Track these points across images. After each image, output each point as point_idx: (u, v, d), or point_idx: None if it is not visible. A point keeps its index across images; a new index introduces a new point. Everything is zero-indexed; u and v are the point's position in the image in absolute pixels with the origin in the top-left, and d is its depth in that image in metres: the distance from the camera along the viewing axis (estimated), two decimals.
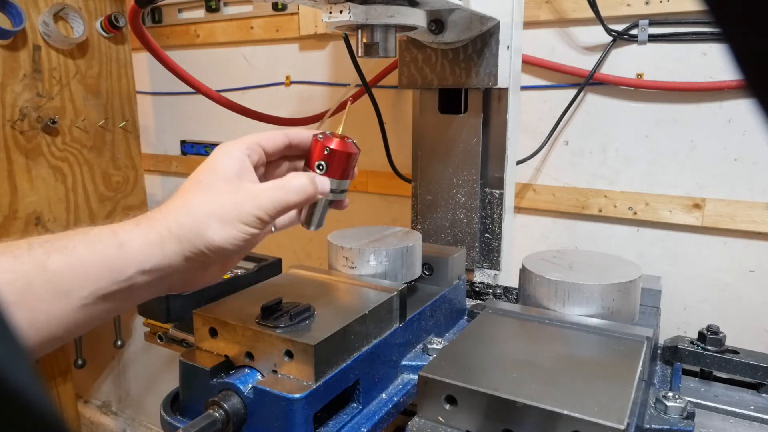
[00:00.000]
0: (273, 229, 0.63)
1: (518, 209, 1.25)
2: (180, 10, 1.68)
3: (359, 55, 0.76)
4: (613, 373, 0.58)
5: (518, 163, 1.09)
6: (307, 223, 0.63)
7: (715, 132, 1.05)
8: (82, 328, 0.48)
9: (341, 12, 0.69)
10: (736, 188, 1.04)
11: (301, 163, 0.62)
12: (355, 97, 1.33)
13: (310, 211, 0.63)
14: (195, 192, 0.52)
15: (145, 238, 0.49)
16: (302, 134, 0.61)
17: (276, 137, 0.59)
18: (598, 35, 1.11)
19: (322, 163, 0.59)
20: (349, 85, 1.40)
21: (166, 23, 1.70)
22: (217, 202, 0.52)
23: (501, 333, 0.68)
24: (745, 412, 0.66)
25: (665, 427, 0.60)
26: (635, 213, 1.13)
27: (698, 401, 0.68)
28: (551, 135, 1.17)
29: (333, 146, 0.59)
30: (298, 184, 0.56)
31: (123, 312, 0.53)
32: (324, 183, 0.58)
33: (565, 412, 0.49)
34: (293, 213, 0.65)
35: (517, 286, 0.85)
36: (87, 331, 0.50)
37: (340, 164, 0.60)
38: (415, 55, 0.96)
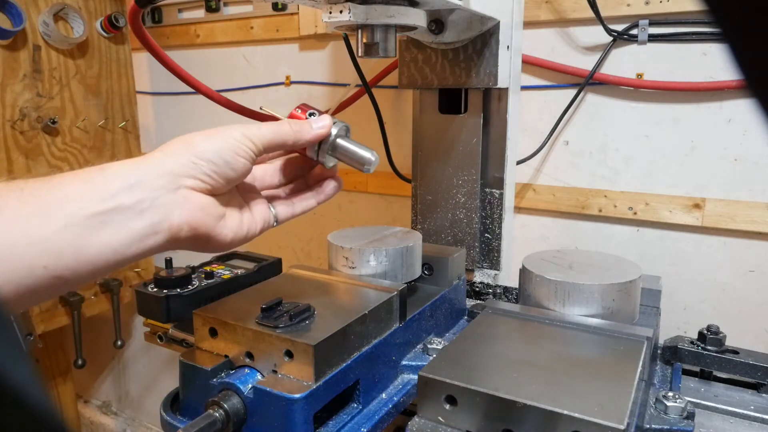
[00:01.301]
0: (275, 222, 0.61)
1: (518, 209, 1.25)
2: (180, 10, 1.68)
3: (359, 55, 0.76)
4: (613, 373, 0.58)
5: (518, 163, 1.09)
6: (360, 161, 0.61)
7: (715, 132, 1.05)
8: (78, 259, 0.43)
9: (341, 12, 0.69)
10: (736, 188, 1.04)
11: None
12: (355, 97, 1.33)
13: (348, 154, 0.61)
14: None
15: (128, 161, 0.48)
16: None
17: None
18: (598, 35, 1.11)
19: (314, 111, 0.61)
20: (349, 85, 1.40)
21: (166, 23, 1.70)
22: (203, 131, 0.53)
23: (501, 333, 0.68)
24: (745, 412, 0.66)
25: (665, 427, 0.60)
26: (635, 213, 1.13)
27: (698, 401, 0.68)
28: (551, 135, 1.17)
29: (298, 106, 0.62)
30: (286, 120, 0.58)
31: (129, 256, 0.47)
32: (323, 119, 0.59)
33: (565, 412, 0.49)
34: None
35: (517, 286, 0.85)
36: (93, 277, 0.45)
37: (314, 108, 0.62)
38: (415, 55, 0.96)
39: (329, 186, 0.64)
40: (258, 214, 0.59)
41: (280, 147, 0.57)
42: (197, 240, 0.52)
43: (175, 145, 0.51)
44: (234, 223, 0.55)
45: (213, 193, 0.52)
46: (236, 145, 0.52)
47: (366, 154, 0.60)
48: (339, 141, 0.61)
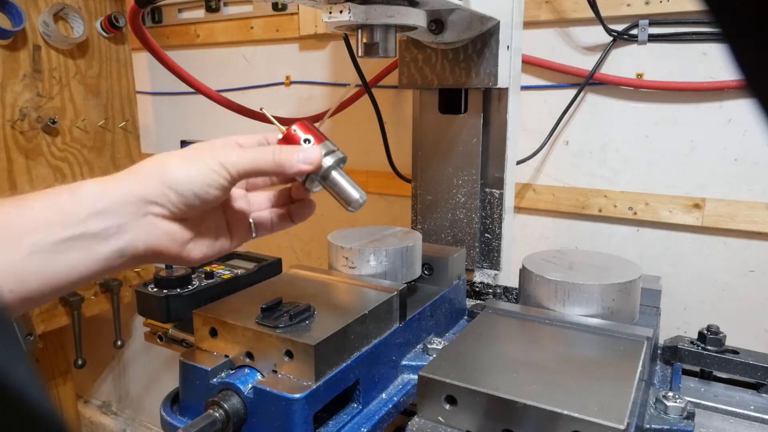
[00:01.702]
0: (253, 234, 0.61)
1: (518, 209, 1.25)
2: (180, 10, 1.68)
3: (359, 55, 0.76)
4: (613, 373, 0.58)
5: (518, 163, 1.09)
6: (347, 200, 0.58)
7: (715, 132, 1.05)
8: (43, 283, 0.44)
9: (341, 12, 0.69)
10: (736, 188, 1.04)
11: None
12: (355, 97, 1.33)
13: (335, 189, 0.59)
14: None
15: (99, 181, 0.48)
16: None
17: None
18: (598, 35, 1.11)
19: (309, 138, 0.58)
20: (349, 85, 1.40)
21: (166, 23, 1.70)
22: (182, 151, 0.52)
23: (501, 333, 0.68)
24: (745, 412, 0.66)
25: (665, 427, 0.60)
26: (635, 213, 1.13)
27: (698, 401, 0.68)
28: (551, 135, 1.17)
29: (297, 124, 0.58)
30: (270, 148, 0.55)
31: (94, 275, 0.48)
32: (312, 154, 0.56)
33: (565, 412, 0.49)
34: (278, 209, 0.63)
35: (517, 286, 0.85)
36: (58, 295, 0.46)
37: (314, 130, 0.58)
38: (415, 55, 0.96)
39: (309, 208, 0.64)
40: (237, 233, 0.60)
41: (258, 175, 0.56)
42: (162, 259, 0.53)
43: (148, 168, 0.50)
44: (204, 245, 0.55)
45: (181, 218, 0.52)
46: (210, 175, 0.50)
47: (354, 194, 0.58)
48: (332, 174, 0.58)
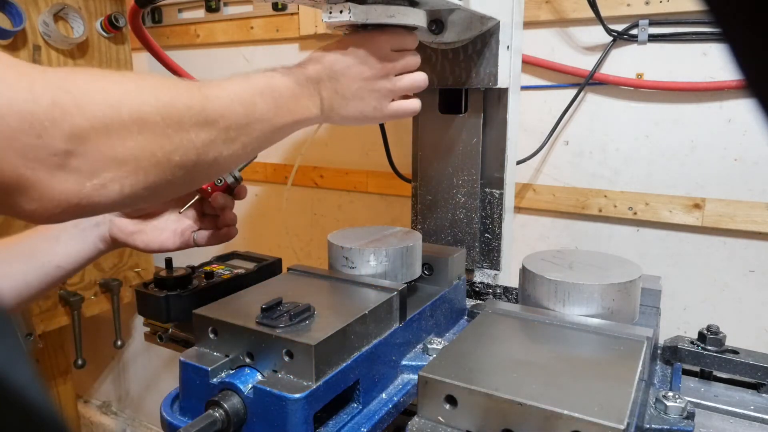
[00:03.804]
0: (194, 244, 0.83)
1: (518, 209, 1.25)
2: (180, 10, 1.68)
3: None
4: (613, 373, 0.58)
5: (518, 163, 1.09)
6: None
7: (715, 132, 1.05)
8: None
9: (341, 12, 0.69)
10: (736, 188, 1.04)
11: None
12: None
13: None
14: None
15: None
16: None
17: None
18: (598, 35, 1.11)
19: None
20: None
21: (166, 23, 1.70)
22: None
23: (501, 333, 0.68)
24: (745, 412, 0.66)
25: (665, 427, 0.60)
26: (635, 213, 1.13)
27: (698, 401, 0.68)
28: (551, 135, 1.17)
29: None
30: None
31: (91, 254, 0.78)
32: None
33: (565, 412, 0.49)
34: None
35: (517, 286, 0.85)
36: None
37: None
38: None
39: (232, 232, 0.85)
40: (179, 234, 0.82)
41: None
42: (118, 244, 0.79)
43: None
44: (147, 237, 0.79)
45: (130, 216, 0.79)
46: None
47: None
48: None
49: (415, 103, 0.77)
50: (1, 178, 0.38)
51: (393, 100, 0.74)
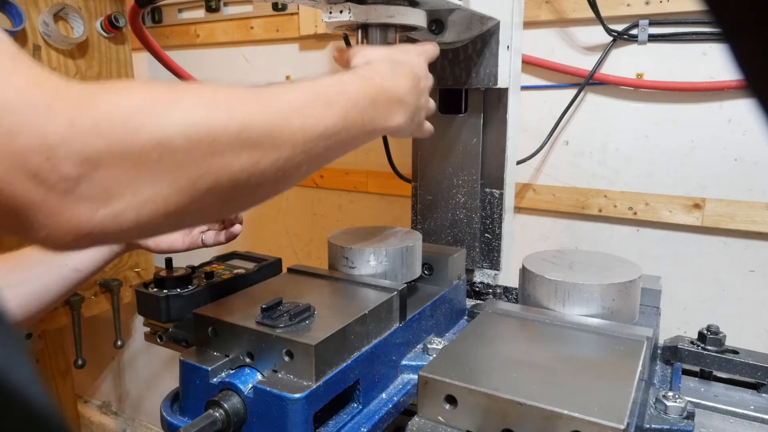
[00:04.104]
0: (202, 244, 0.84)
1: (518, 209, 1.25)
2: (180, 10, 1.68)
3: None
4: (613, 373, 0.58)
5: (518, 163, 1.09)
6: None
7: (715, 132, 1.05)
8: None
9: (341, 12, 0.69)
10: (736, 188, 1.04)
11: None
12: None
13: None
14: None
15: None
16: None
17: None
18: (598, 35, 1.11)
19: None
20: None
21: (166, 23, 1.70)
22: None
23: (501, 333, 0.68)
24: (745, 412, 0.66)
25: (665, 427, 0.60)
26: (635, 213, 1.13)
27: (698, 401, 0.68)
28: (551, 135, 1.17)
29: None
30: None
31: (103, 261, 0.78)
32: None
33: (565, 412, 0.49)
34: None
35: (517, 286, 0.85)
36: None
37: None
38: None
39: (237, 228, 0.85)
40: (188, 235, 0.82)
41: None
42: (132, 246, 0.80)
43: None
44: (157, 238, 0.80)
45: None
46: None
47: None
48: None
49: (431, 126, 0.74)
50: (11, 199, 0.36)
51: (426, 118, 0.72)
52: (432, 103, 0.71)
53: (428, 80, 0.69)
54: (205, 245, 0.84)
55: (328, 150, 0.52)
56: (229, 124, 0.44)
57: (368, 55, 0.64)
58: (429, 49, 0.71)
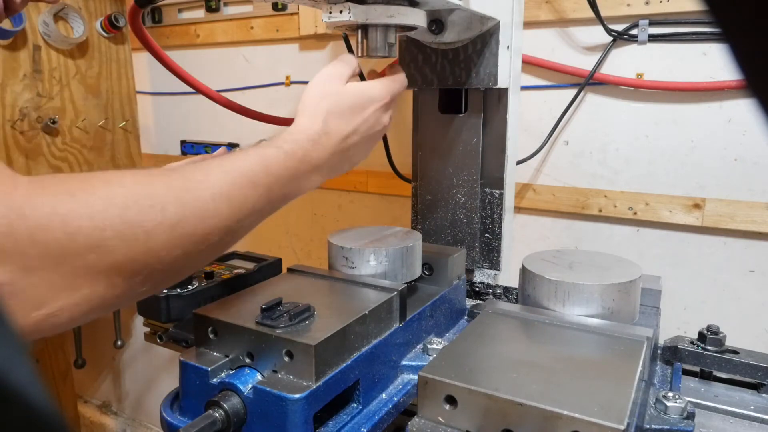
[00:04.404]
0: None
1: (518, 209, 1.25)
2: (180, 10, 1.68)
3: (359, 55, 0.76)
4: (613, 373, 0.58)
5: (518, 163, 1.09)
6: None
7: (715, 132, 1.05)
8: None
9: (341, 12, 0.69)
10: (736, 188, 1.04)
11: None
12: None
13: None
14: None
15: None
16: None
17: None
18: (598, 35, 1.11)
19: None
20: None
21: (166, 23, 1.70)
22: None
23: (501, 333, 0.68)
24: (745, 412, 0.66)
25: (665, 427, 0.60)
26: (635, 213, 1.13)
27: (698, 401, 0.68)
28: (551, 135, 1.17)
29: None
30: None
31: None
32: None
33: (565, 412, 0.49)
34: None
35: (517, 286, 0.85)
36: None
37: None
38: (415, 55, 0.95)
39: None
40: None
41: None
42: None
43: None
44: None
45: None
46: None
47: None
48: None
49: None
50: None
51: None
52: (385, 125, 0.73)
53: (377, 127, 0.70)
54: None
55: (252, 224, 0.56)
56: (163, 222, 0.45)
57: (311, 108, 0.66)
58: (389, 93, 0.72)
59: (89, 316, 0.43)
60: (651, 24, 1.06)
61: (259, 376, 0.61)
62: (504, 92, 0.94)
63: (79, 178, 0.44)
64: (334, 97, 0.67)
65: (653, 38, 1.07)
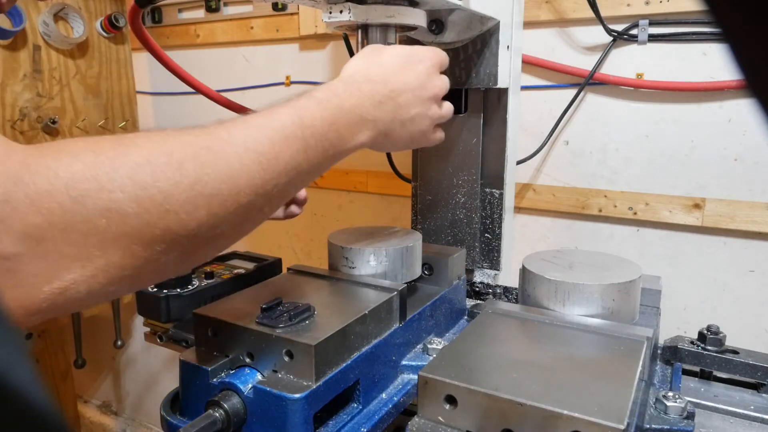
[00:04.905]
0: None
1: (518, 209, 1.25)
2: (180, 10, 1.68)
3: None
4: (613, 373, 0.58)
5: (518, 163, 1.09)
6: None
7: (715, 132, 1.05)
8: None
9: (341, 12, 0.69)
10: (736, 188, 1.04)
11: None
12: None
13: None
14: None
15: None
16: None
17: None
18: (598, 35, 1.11)
19: None
20: None
21: (166, 23, 1.70)
22: None
23: (501, 333, 0.68)
24: (745, 412, 0.66)
25: (665, 427, 0.60)
26: (635, 213, 1.13)
27: (698, 401, 0.68)
28: (551, 135, 1.17)
29: None
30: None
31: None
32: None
33: (565, 412, 0.49)
34: None
35: (517, 286, 0.85)
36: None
37: None
38: None
39: (295, 209, 0.84)
40: None
41: None
42: None
43: None
44: None
45: None
46: None
47: None
48: None
49: (443, 134, 0.71)
50: None
51: (437, 126, 0.69)
52: (443, 111, 0.67)
53: (443, 85, 0.66)
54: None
55: (290, 185, 0.50)
56: (181, 181, 0.41)
57: (352, 67, 0.62)
58: (439, 57, 0.67)
59: (111, 290, 0.40)
60: (651, 24, 1.06)
61: (259, 376, 0.61)
62: (504, 92, 0.94)
63: (85, 140, 0.40)
64: (379, 53, 0.63)
65: (653, 38, 1.07)
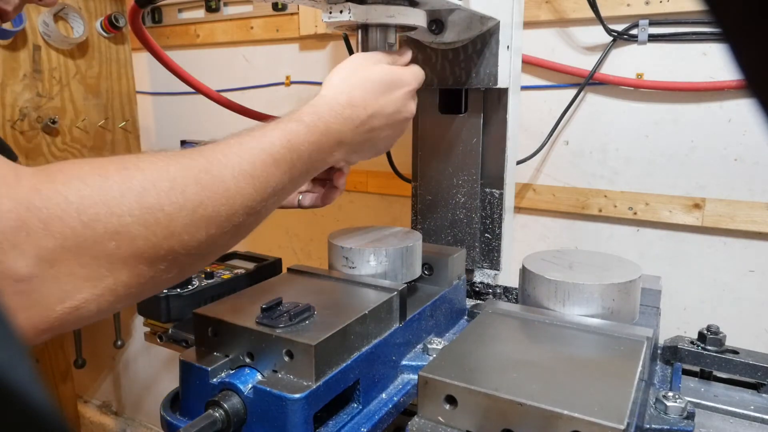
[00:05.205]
0: (297, 206, 0.78)
1: (518, 209, 1.25)
2: (180, 10, 1.68)
3: None
4: (613, 373, 0.58)
5: (518, 163, 1.09)
6: None
7: (715, 132, 1.05)
8: None
9: (341, 12, 0.69)
10: (736, 188, 1.04)
11: None
12: None
13: None
14: None
15: None
16: None
17: None
18: (598, 35, 1.11)
19: None
20: None
21: (166, 23, 1.70)
22: None
23: (501, 333, 0.68)
24: (745, 412, 0.66)
25: (665, 427, 0.60)
26: (635, 213, 1.13)
27: (698, 401, 0.68)
28: (551, 135, 1.17)
29: None
30: None
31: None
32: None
33: (565, 412, 0.49)
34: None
35: (517, 286, 0.85)
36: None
37: None
38: (415, 55, 0.95)
39: (336, 193, 0.79)
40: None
41: None
42: None
43: None
44: None
45: None
46: None
47: None
48: None
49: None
50: None
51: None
52: (414, 102, 0.73)
53: (404, 113, 0.71)
54: (300, 206, 0.79)
55: (274, 204, 0.54)
56: (185, 204, 0.43)
57: (333, 82, 0.65)
58: (418, 81, 0.73)
59: (117, 306, 0.42)
60: (651, 24, 1.06)
61: (259, 376, 0.61)
62: (504, 92, 0.94)
63: (90, 163, 0.41)
64: (363, 73, 0.66)
65: (653, 38, 1.07)
